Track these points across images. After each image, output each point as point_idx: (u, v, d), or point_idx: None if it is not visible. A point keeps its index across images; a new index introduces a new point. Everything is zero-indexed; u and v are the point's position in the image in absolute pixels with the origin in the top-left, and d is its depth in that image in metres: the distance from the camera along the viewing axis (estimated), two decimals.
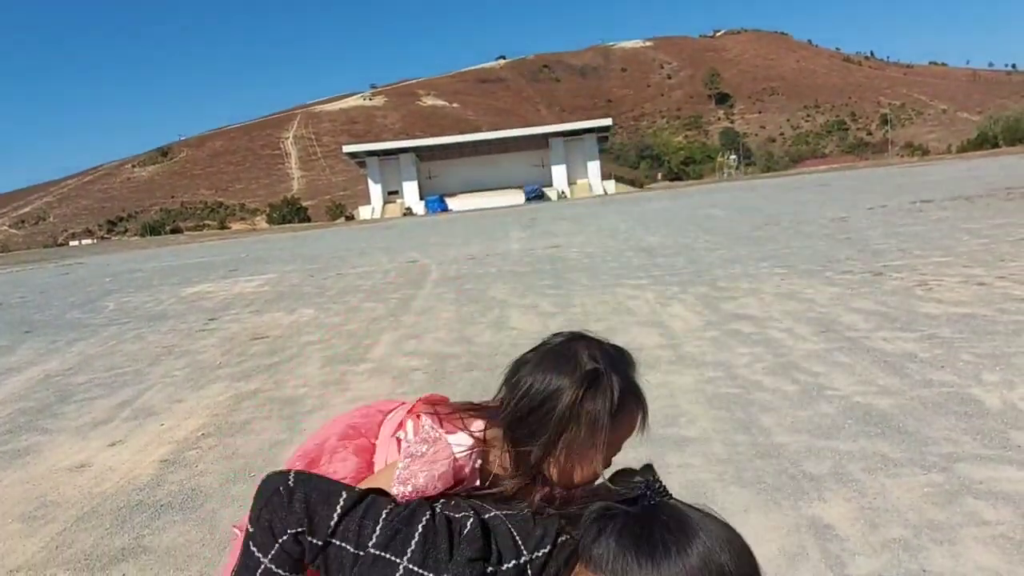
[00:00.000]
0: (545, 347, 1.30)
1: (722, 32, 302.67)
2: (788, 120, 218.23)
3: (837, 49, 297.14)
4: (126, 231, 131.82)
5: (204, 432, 5.75)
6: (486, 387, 6.25)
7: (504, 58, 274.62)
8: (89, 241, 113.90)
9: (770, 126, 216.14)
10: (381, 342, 8.84)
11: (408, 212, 78.35)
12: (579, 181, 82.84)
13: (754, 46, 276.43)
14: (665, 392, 5.61)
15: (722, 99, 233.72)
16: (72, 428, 6.28)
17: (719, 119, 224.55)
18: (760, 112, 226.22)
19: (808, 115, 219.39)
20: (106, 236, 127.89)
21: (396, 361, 7.70)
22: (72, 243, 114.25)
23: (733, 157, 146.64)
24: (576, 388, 1.20)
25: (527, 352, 1.31)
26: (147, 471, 4.95)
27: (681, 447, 4.46)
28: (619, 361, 1.29)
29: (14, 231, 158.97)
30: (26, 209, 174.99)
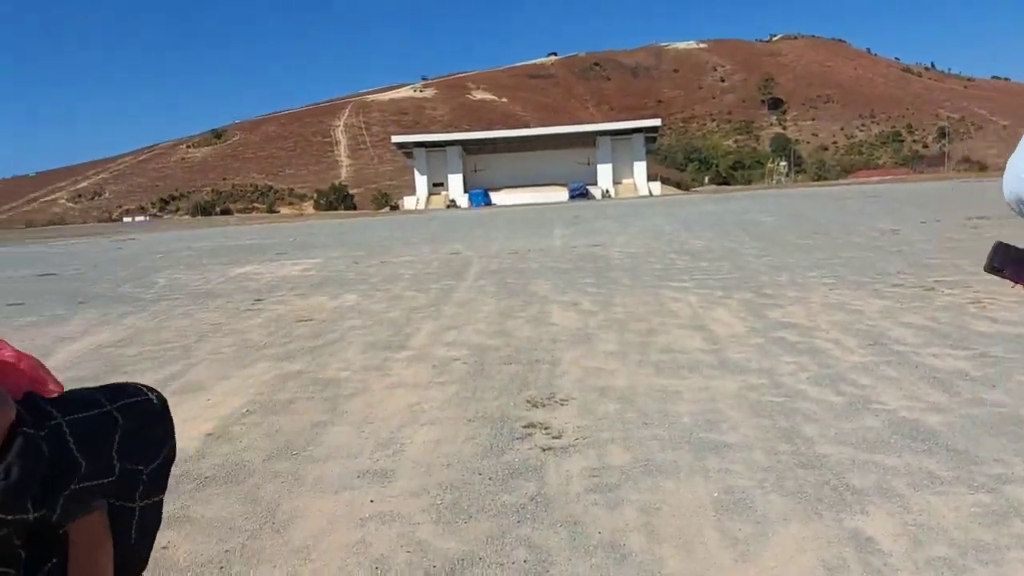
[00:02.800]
0: None
1: (779, 37, 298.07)
2: (842, 129, 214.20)
3: (896, 59, 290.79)
4: (178, 210, 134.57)
5: (248, 409, 5.86)
6: (524, 380, 6.28)
7: (555, 55, 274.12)
8: (142, 218, 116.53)
9: (823, 134, 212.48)
10: (422, 331, 8.91)
11: (452, 204, 78.74)
12: (624, 181, 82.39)
13: (811, 52, 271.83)
14: (706, 396, 5.57)
15: (775, 104, 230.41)
16: None
17: (771, 124, 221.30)
18: (813, 119, 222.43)
19: (863, 124, 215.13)
20: (158, 214, 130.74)
21: (436, 350, 7.75)
22: (125, 219, 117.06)
23: (784, 164, 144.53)
24: None
25: None
26: (193, 444, 5.06)
27: (721, 452, 4.43)
28: None
29: (71, 205, 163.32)
30: (83, 184, 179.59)
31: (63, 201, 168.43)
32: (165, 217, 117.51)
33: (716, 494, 3.86)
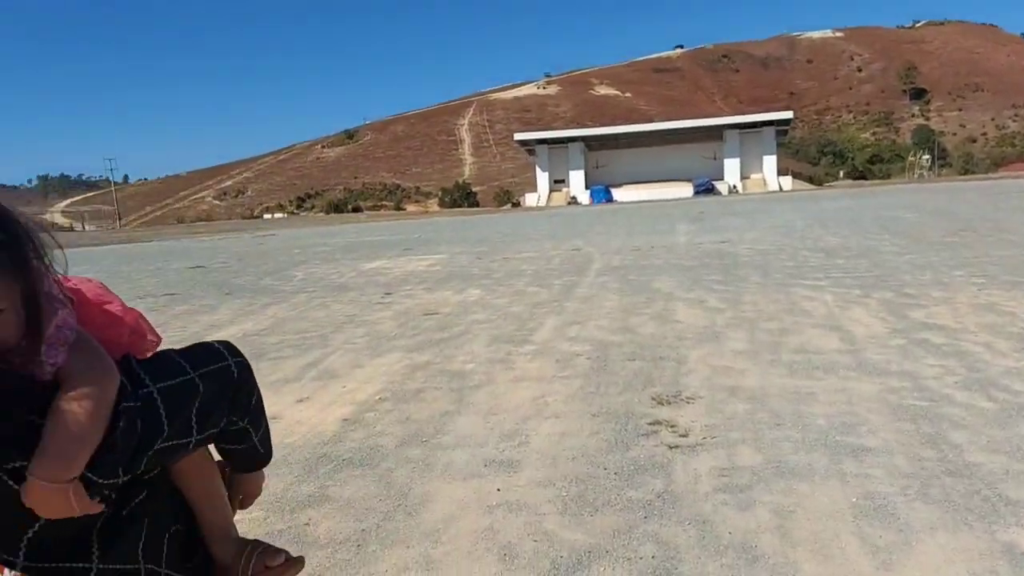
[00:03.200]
0: None
1: (922, 23, 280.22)
2: (992, 119, 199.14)
3: None
4: (313, 207, 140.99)
5: (381, 396, 6.09)
6: (649, 377, 6.22)
7: (682, 47, 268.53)
8: (280, 215, 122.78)
9: (971, 125, 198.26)
10: (545, 325, 8.97)
11: (573, 201, 78.62)
12: (753, 176, 79.76)
13: (958, 38, 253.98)
14: (844, 399, 5.34)
15: (918, 95, 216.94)
16: (266, 383, 6.84)
17: (913, 116, 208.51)
18: (960, 110, 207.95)
19: (1016, 115, 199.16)
20: (295, 211, 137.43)
21: (559, 345, 7.80)
22: (266, 216, 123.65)
23: (926, 157, 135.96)
24: None
25: None
26: (330, 428, 5.32)
27: (859, 456, 4.24)
28: None
29: (217, 202, 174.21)
30: (228, 183, 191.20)
31: (210, 199, 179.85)
32: (301, 214, 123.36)
33: (855, 499, 3.71)
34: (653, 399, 5.61)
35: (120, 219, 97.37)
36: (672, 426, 4.96)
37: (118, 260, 24.37)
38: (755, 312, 8.98)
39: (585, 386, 6.13)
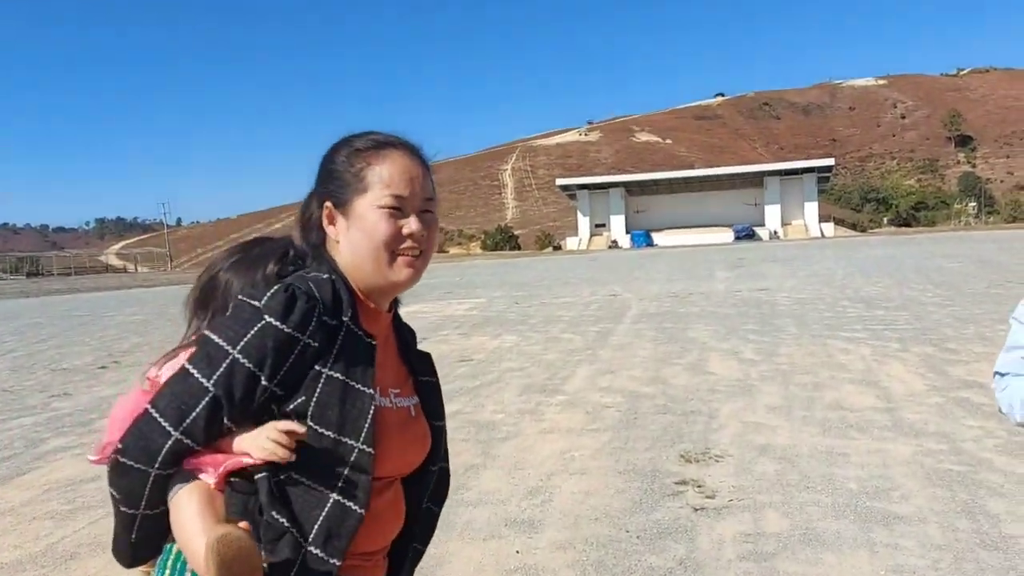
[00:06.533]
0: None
1: (967, 71, 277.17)
2: None
3: None
4: None
5: None
6: (679, 432, 6.13)
7: (723, 95, 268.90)
8: None
9: (1019, 173, 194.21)
10: (577, 375, 8.92)
11: (613, 245, 78.70)
12: (794, 222, 79.13)
13: (1004, 85, 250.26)
14: (877, 461, 5.19)
15: (963, 142, 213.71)
16: None
17: (958, 163, 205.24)
18: (1008, 157, 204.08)
19: None
20: None
21: (590, 396, 7.74)
22: None
23: (973, 204, 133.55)
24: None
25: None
26: None
27: (890, 525, 4.10)
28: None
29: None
30: (277, 225, 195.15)
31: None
32: None
33: (883, 572, 3.58)
34: (681, 456, 5.52)
35: (171, 261, 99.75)
36: (699, 486, 4.87)
37: (168, 301, 24.90)
38: (790, 365, 8.83)
39: (613, 440, 6.06)
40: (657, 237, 77.59)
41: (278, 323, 1.31)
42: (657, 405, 7.19)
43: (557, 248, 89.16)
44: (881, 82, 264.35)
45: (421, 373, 1.60)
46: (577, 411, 7.12)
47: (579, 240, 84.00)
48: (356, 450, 1.33)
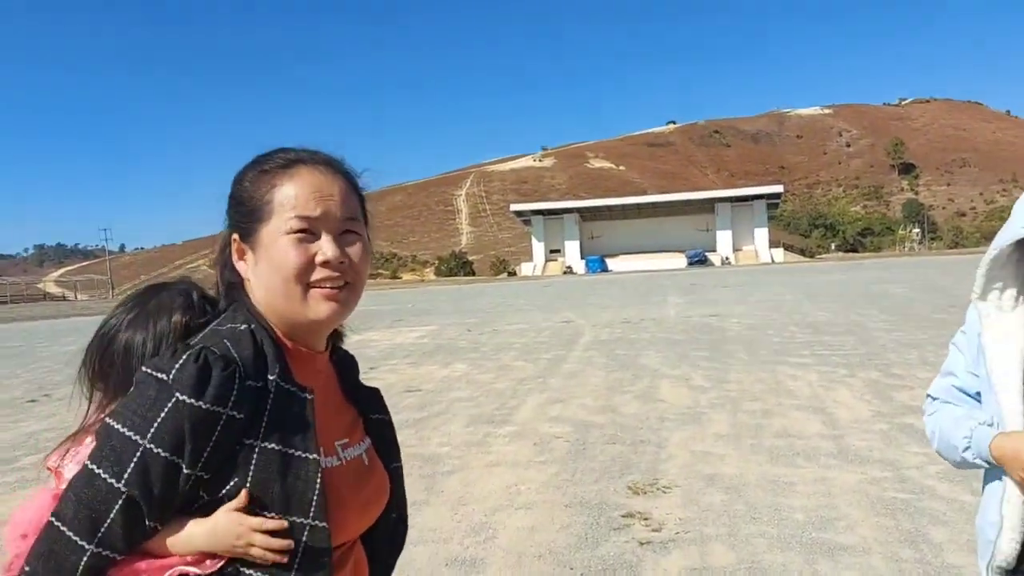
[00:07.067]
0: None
1: (909, 100, 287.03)
2: (981, 194, 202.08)
3: None
4: None
5: None
6: (627, 463, 6.05)
7: (674, 123, 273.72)
8: None
9: (960, 199, 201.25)
10: (527, 404, 8.82)
11: (568, 271, 79.15)
12: (745, 248, 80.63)
13: (944, 115, 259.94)
14: (823, 490, 5.17)
15: (906, 169, 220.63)
16: None
17: (902, 190, 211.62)
18: (949, 184, 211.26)
19: (1004, 189, 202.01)
20: None
21: (539, 426, 7.63)
22: None
23: (916, 230, 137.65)
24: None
25: None
26: None
27: (834, 556, 4.06)
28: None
29: (211, 271, 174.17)
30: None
31: (204, 267, 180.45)
32: None
33: None
34: (629, 488, 5.43)
35: (113, 288, 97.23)
36: (645, 519, 4.78)
37: None
38: (739, 391, 8.85)
39: (561, 472, 5.95)
40: (612, 262, 78.31)
41: (192, 400, 1.11)
42: (606, 435, 7.11)
43: (512, 274, 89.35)
44: (827, 111, 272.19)
45: (371, 411, 1.44)
46: (525, 442, 7.00)
47: (534, 266, 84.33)
48: (307, 527, 1.16)
